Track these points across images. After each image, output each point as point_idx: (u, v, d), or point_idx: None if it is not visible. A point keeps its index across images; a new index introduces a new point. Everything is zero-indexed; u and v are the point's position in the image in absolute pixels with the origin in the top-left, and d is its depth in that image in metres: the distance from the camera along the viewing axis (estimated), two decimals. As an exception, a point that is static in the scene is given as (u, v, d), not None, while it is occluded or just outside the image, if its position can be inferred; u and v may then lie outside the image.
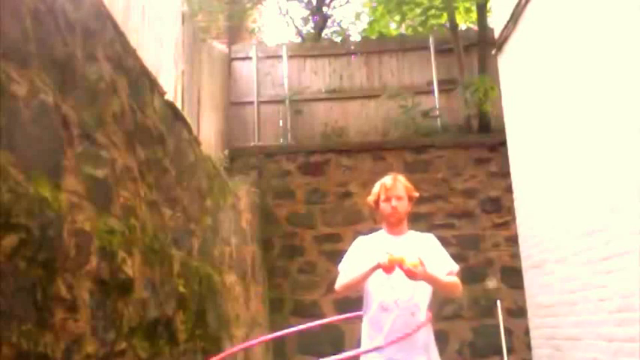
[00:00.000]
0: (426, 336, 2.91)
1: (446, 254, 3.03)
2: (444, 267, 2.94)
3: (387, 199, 3.02)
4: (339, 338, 7.57)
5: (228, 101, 8.88)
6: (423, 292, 2.90)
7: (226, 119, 8.67)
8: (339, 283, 2.98)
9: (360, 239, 3.12)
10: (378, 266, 2.77)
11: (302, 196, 8.27)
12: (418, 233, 3.10)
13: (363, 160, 8.39)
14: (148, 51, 4.30)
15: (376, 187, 3.10)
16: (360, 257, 2.98)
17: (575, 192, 4.96)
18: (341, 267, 3.06)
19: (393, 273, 2.81)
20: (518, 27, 6.26)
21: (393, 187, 3.02)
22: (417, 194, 3.10)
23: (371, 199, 3.12)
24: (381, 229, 3.14)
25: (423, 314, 2.89)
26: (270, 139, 9.00)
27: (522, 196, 6.46)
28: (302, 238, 8.08)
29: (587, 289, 4.73)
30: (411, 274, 2.70)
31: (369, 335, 2.95)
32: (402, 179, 3.08)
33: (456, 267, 3.02)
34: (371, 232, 3.18)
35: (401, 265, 2.71)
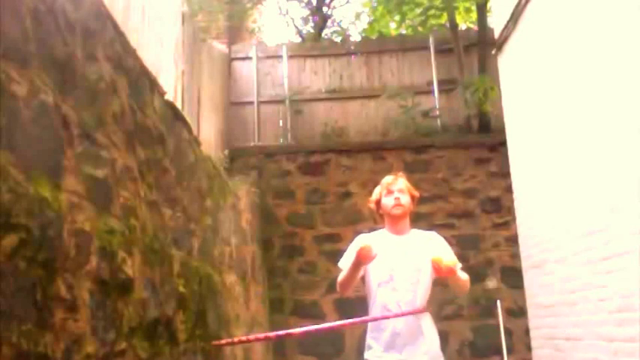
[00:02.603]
0: (431, 335, 2.90)
1: (450, 252, 3.02)
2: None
3: (390, 193, 3.02)
4: (339, 338, 7.57)
5: (228, 101, 8.89)
6: (423, 292, 2.90)
7: (226, 119, 8.67)
8: (337, 284, 3.00)
9: (360, 237, 3.12)
10: (357, 255, 2.76)
11: (302, 196, 8.27)
12: (421, 231, 3.10)
13: (363, 160, 8.39)
14: (148, 51, 4.30)
15: (377, 188, 3.11)
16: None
17: (575, 192, 4.96)
18: (339, 265, 3.06)
19: (395, 276, 2.82)
20: (518, 27, 6.26)
21: (395, 181, 3.05)
22: (417, 194, 3.10)
23: (373, 199, 3.12)
24: (382, 228, 3.15)
25: (423, 314, 2.89)
26: (270, 139, 9.00)
27: (522, 196, 6.46)
28: (302, 238, 8.08)
29: (587, 289, 4.73)
30: (448, 272, 2.73)
31: (372, 337, 2.95)
32: (403, 177, 3.10)
33: (459, 265, 3.00)
34: (370, 231, 3.17)
35: (439, 263, 2.73)
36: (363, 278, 3.00)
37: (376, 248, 2.94)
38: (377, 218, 3.19)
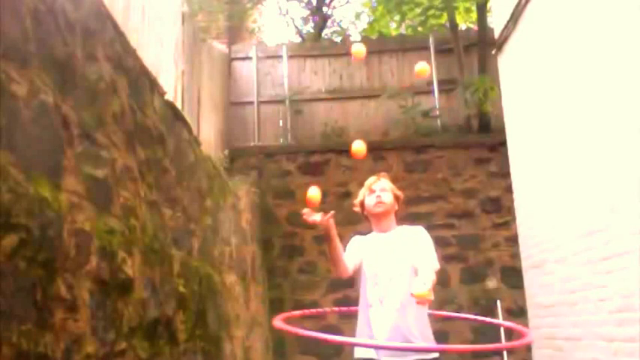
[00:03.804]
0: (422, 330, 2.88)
1: (431, 250, 2.96)
2: (426, 264, 2.83)
3: (372, 192, 3.08)
4: (339, 338, 7.57)
5: (228, 101, 8.88)
6: (407, 286, 2.88)
7: (226, 119, 8.67)
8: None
9: (355, 238, 3.16)
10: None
11: (302, 196, 8.24)
12: (408, 227, 3.10)
13: (363, 160, 8.36)
14: (148, 51, 4.30)
15: (360, 191, 3.18)
16: (353, 252, 3.03)
17: (575, 192, 4.96)
18: None
19: (379, 274, 2.89)
20: (518, 27, 6.26)
21: (376, 181, 3.11)
22: (400, 194, 3.13)
23: (357, 201, 3.16)
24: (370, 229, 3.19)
25: (408, 308, 2.83)
26: (270, 139, 8.99)
27: (522, 196, 6.46)
28: (302, 238, 8.07)
29: (587, 289, 4.73)
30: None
31: (358, 333, 2.96)
32: (386, 177, 3.15)
33: (436, 266, 2.89)
34: (371, 233, 3.20)
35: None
36: (358, 278, 3.02)
37: (366, 250, 3.00)
38: (365, 220, 3.22)
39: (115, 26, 2.75)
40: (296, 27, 12.21)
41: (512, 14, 6.27)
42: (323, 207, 9.28)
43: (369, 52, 10.53)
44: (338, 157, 8.43)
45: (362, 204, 3.13)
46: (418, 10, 9.09)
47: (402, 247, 2.96)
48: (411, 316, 2.82)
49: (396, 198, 3.10)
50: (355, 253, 3.01)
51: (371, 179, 3.14)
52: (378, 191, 3.06)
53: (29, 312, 1.75)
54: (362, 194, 3.14)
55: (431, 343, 2.89)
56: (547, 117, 5.59)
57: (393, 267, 2.91)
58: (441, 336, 3.02)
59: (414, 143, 8.44)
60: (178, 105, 4.76)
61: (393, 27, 11.44)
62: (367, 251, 3.01)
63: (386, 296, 2.86)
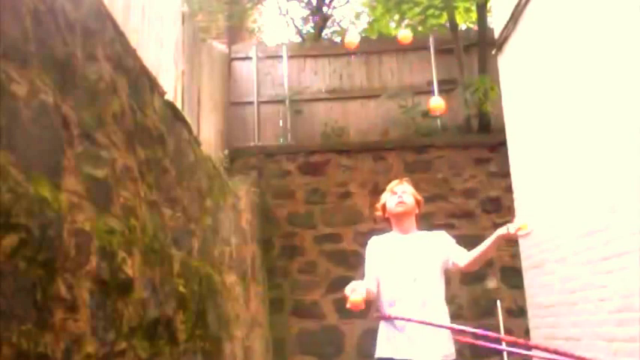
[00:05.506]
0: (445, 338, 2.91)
1: (457, 245, 3.11)
2: (459, 250, 3.04)
3: (393, 194, 3.13)
4: (339, 338, 7.57)
5: (228, 101, 8.88)
6: (430, 285, 2.92)
7: (226, 119, 8.66)
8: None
9: (373, 241, 3.17)
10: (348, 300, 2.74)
11: (302, 196, 8.27)
12: (429, 232, 3.15)
13: (363, 160, 8.39)
14: (148, 51, 4.30)
15: (382, 195, 3.22)
16: (373, 263, 3.05)
17: (575, 192, 4.96)
18: (365, 271, 3.11)
19: (400, 273, 2.91)
20: (518, 27, 6.26)
21: (398, 185, 3.17)
22: (421, 198, 3.21)
23: (379, 205, 3.21)
24: (383, 228, 3.21)
25: (434, 306, 2.90)
26: (270, 139, 8.99)
27: (522, 196, 6.46)
28: (302, 238, 8.07)
29: (587, 289, 4.73)
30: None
31: (387, 336, 2.95)
32: (408, 182, 3.22)
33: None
34: (371, 232, 3.22)
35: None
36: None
37: (385, 252, 3.03)
38: (386, 224, 3.24)
39: (115, 26, 2.75)
40: (296, 27, 12.20)
41: (512, 14, 6.28)
42: (323, 207, 9.29)
43: (369, 53, 10.47)
44: (338, 157, 8.43)
45: (384, 207, 3.18)
46: (417, 10, 9.08)
47: (426, 249, 3.01)
48: (434, 313, 2.87)
49: (417, 202, 3.16)
50: (375, 269, 3.03)
51: (393, 183, 3.21)
52: (400, 193, 3.11)
53: (29, 312, 1.75)
54: (384, 198, 3.19)
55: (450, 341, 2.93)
56: (547, 117, 5.60)
57: (417, 267, 2.95)
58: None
59: (414, 143, 8.44)
60: (178, 105, 4.76)
61: (393, 27, 11.44)
62: (387, 253, 3.04)
63: (410, 296, 2.89)
